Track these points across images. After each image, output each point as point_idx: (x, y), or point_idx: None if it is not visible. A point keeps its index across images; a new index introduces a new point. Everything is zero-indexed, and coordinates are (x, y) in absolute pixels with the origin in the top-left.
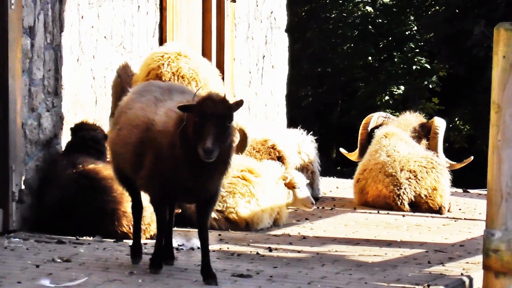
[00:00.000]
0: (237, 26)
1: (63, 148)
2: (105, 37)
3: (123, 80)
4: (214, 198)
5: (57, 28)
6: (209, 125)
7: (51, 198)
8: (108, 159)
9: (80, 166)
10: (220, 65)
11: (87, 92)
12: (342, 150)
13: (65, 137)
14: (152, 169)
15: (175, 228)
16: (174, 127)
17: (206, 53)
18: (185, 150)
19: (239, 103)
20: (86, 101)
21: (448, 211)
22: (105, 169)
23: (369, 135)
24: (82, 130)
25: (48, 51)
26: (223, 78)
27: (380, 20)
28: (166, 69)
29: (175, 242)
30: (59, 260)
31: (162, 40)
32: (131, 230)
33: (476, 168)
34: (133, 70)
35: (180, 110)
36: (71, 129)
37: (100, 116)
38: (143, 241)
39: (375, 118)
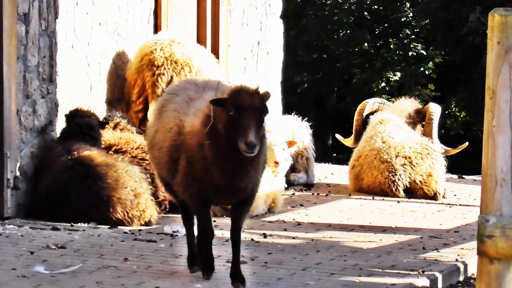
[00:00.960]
0: (232, 12)
1: (58, 135)
2: (100, 23)
3: (118, 67)
4: (250, 198)
5: (51, 15)
6: (248, 117)
7: (46, 185)
8: (102, 146)
9: (75, 153)
10: (215, 52)
11: (82, 79)
12: (338, 136)
13: (60, 124)
14: (186, 173)
15: (170, 215)
16: (201, 126)
17: (201, 39)
18: (215, 149)
19: (267, 95)
20: (81, 88)
21: (443, 197)
22: (100, 156)
23: (365, 121)
24: (77, 117)
25: (43, 38)
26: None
27: (375, 7)
28: (159, 54)
29: (170, 229)
30: (53, 247)
31: (157, 27)
32: (126, 217)
33: (471, 154)
34: (128, 56)
35: (213, 104)
36: (66, 116)
37: (95, 103)
38: (137, 227)
39: (370, 104)
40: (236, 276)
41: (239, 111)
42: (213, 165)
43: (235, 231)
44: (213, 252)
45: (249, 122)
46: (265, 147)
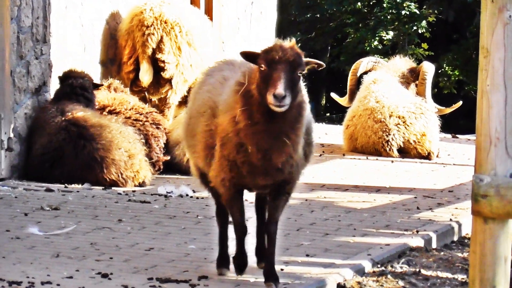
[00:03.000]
0: None
1: (52, 96)
2: None
3: (111, 28)
4: (289, 185)
5: None
6: (279, 70)
7: (40, 145)
8: (96, 107)
9: (69, 114)
10: (208, 12)
11: (76, 40)
12: (333, 94)
13: (54, 85)
14: (219, 158)
15: (164, 176)
16: (233, 96)
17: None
18: (249, 117)
19: (319, 63)
20: (74, 49)
21: (437, 156)
22: (94, 117)
23: (359, 81)
24: (71, 78)
25: None
26: (211, 25)
27: None
28: (148, 14)
29: (164, 189)
30: (47, 208)
31: None
32: (120, 178)
33: (465, 113)
34: (122, 17)
35: (244, 57)
36: (59, 77)
37: (88, 64)
38: (131, 188)
39: (364, 63)
40: (270, 274)
41: (271, 64)
42: (246, 137)
43: (271, 224)
44: (207, 212)
45: (280, 75)
46: (302, 115)
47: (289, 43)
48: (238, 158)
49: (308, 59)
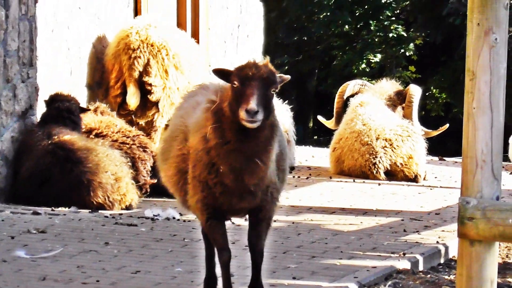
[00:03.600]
0: None
1: (39, 119)
2: (79, 7)
3: (98, 51)
4: (266, 208)
5: None
6: (252, 87)
7: (26, 169)
8: (83, 130)
9: (56, 137)
10: (195, 35)
11: (62, 63)
12: (319, 117)
13: (41, 108)
14: (192, 179)
15: (150, 199)
16: (204, 114)
17: (181, 23)
18: (220, 135)
19: (285, 78)
20: (61, 72)
21: (424, 179)
22: (81, 140)
23: (346, 103)
24: (57, 101)
25: (23, 22)
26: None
27: None
28: (134, 37)
29: (151, 212)
30: (34, 231)
31: (137, 10)
32: (107, 201)
33: (452, 136)
34: (108, 40)
35: (217, 75)
36: (45, 100)
37: (75, 87)
38: (118, 211)
39: (351, 86)
40: None
41: (244, 81)
42: (217, 156)
43: (256, 253)
44: (193, 235)
45: (253, 91)
46: (275, 134)
47: (263, 61)
48: (209, 178)
49: (281, 75)
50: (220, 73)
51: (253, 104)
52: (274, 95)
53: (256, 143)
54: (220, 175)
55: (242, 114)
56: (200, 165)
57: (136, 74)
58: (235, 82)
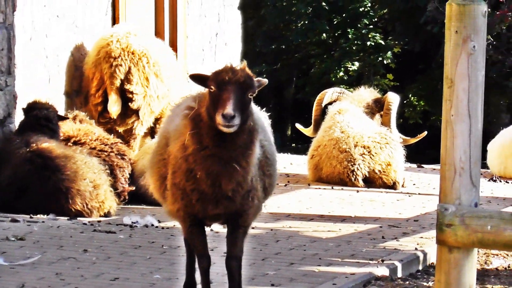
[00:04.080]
0: (190, 4)
1: (17, 127)
2: (57, 16)
3: (76, 59)
4: (244, 215)
5: (9, 8)
6: (229, 91)
7: (5, 177)
8: (61, 137)
9: (34, 145)
10: (173, 43)
11: (40, 71)
12: (297, 125)
13: (19, 116)
14: (171, 186)
15: (129, 206)
16: (183, 121)
17: (159, 31)
18: (198, 141)
19: (263, 82)
20: (39, 80)
21: (402, 186)
22: (59, 148)
23: (324, 111)
24: (35, 109)
25: (1, 30)
26: (176, 56)
27: None
28: (115, 45)
29: (129, 220)
30: (13, 239)
31: (115, 18)
32: (85, 208)
33: (430, 143)
34: (87, 48)
35: (194, 80)
36: (23, 108)
37: (53, 95)
38: (97, 218)
39: (329, 94)
40: None
41: (221, 86)
42: (195, 162)
43: (231, 259)
44: (172, 242)
45: (230, 95)
46: (254, 140)
47: (240, 65)
48: (187, 185)
49: (258, 78)
50: (197, 78)
51: (229, 109)
52: (252, 100)
53: (233, 148)
54: (197, 181)
55: (219, 118)
56: (180, 173)
57: (117, 82)
58: (212, 87)
